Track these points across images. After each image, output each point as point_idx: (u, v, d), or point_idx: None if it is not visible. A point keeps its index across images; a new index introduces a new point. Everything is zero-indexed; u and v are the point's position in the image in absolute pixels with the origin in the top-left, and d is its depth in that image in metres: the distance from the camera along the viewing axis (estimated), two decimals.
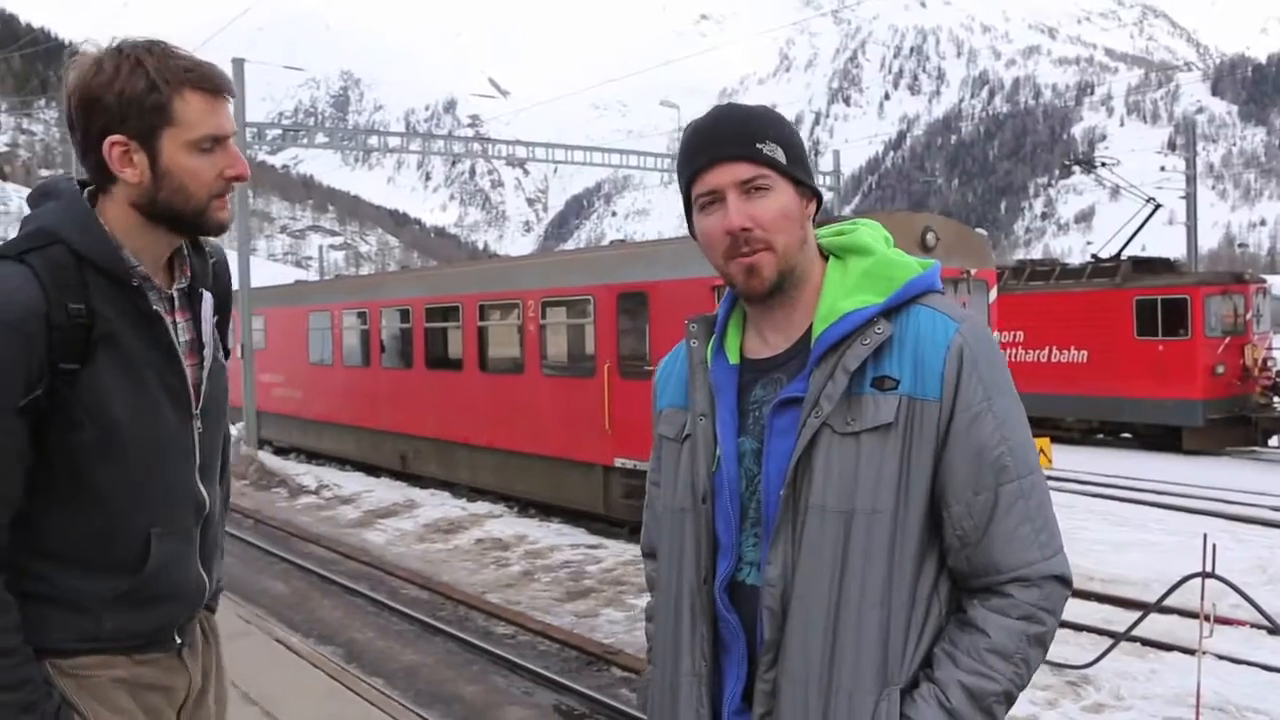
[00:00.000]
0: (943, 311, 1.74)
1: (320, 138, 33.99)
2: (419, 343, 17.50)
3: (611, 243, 16.08)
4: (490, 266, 17.64)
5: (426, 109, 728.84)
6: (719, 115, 1.82)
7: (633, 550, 12.51)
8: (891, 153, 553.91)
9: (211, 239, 2.20)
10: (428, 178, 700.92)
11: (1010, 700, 1.69)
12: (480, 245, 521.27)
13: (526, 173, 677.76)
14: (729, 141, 1.77)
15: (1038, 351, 23.03)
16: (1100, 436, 22.76)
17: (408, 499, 16.41)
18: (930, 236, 11.19)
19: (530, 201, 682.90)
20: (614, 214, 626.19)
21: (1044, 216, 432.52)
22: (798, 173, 1.79)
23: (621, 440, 13.01)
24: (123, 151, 1.92)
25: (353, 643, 9.29)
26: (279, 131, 32.08)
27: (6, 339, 1.83)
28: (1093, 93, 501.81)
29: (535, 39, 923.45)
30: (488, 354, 15.95)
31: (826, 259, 1.86)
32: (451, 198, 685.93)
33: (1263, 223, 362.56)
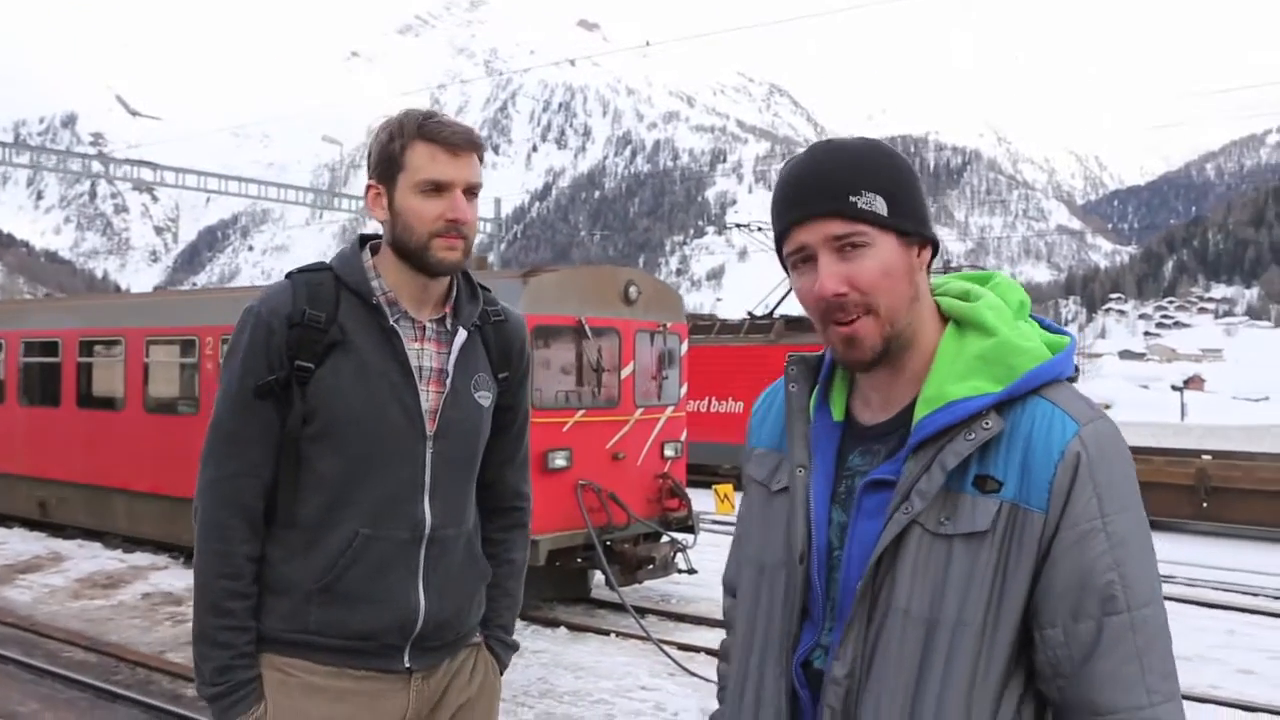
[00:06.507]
0: (1064, 409, 1.51)
1: None
2: (69, 379, 15.95)
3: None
4: (163, 299, 16.42)
5: (41, 121, 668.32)
6: (813, 160, 1.60)
7: None
8: (537, 203, 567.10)
9: (512, 313, 2.56)
10: (40, 197, 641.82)
11: None
12: (100, 274, 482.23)
13: (155, 199, 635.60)
14: (819, 194, 1.56)
15: (699, 402, 24.27)
16: None
17: (51, 551, 14.81)
18: (633, 290, 11.58)
19: (159, 230, 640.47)
20: (251, 249, 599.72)
21: (679, 273, 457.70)
22: (902, 223, 1.57)
23: None
24: (375, 195, 2.32)
25: (15, 716, 8.27)
26: None
27: (255, 326, 2.26)
28: (725, 160, 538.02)
29: (171, 57, 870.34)
30: (154, 393, 14.79)
31: (945, 319, 1.65)
32: (67, 220, 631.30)
33: None
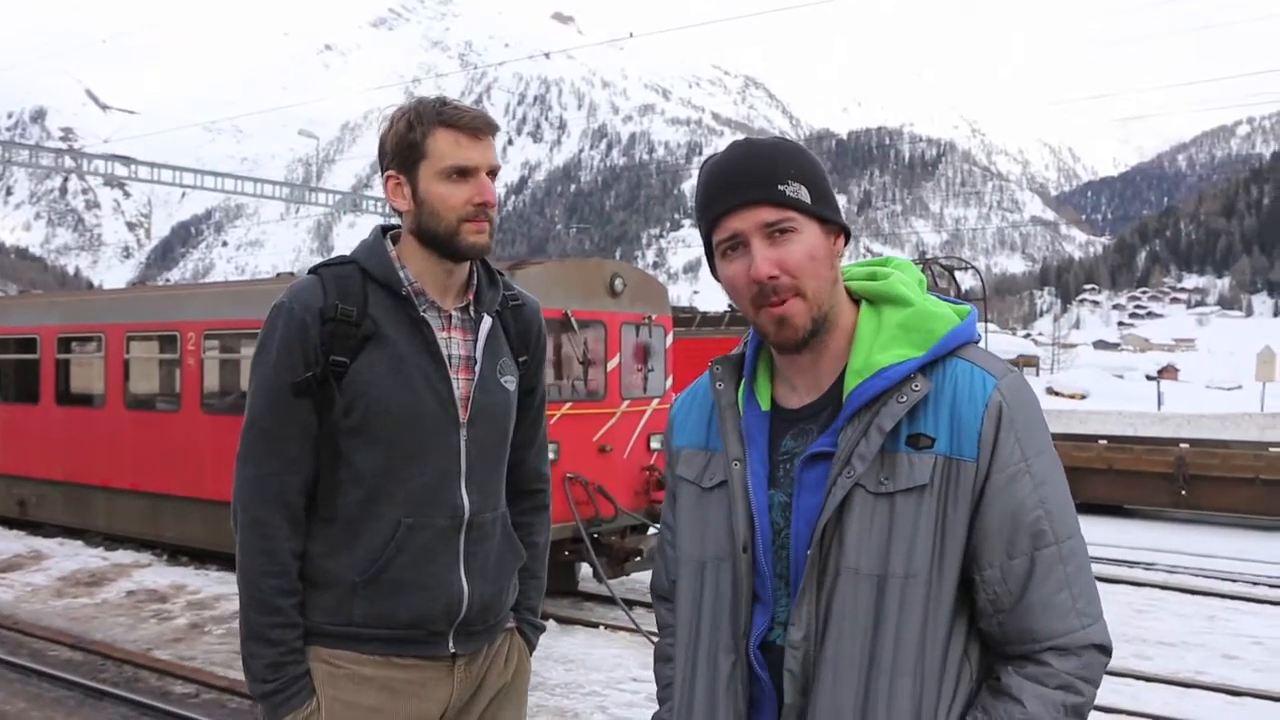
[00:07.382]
0: (981, 366, 1.64)
1: None
2: (49, 376, 15.81)
3: (294, 274, 15.34)
4: (144, 294, 16.29)
5: (10, 116, 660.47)
6: (738, 155, 1.72)
7: None
8: (513, 197, 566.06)
9: (528, 296, 2.56)
10: (9, 193, 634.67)
11: None
12: (71, 270, 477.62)
13: (127, 194, 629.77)
14: (750, 184, 1.66)
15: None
16: None
17: (31, 549, 14.68)
18: (618, 282, 11.57)
19: (131, 226, 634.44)
20: (225, 244, 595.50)
21: (655, 266, 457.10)
22: (824, 211, 1.69)
23: None
24: (395, 184, 2.30)
25: (2, 715, 8.20)
26: None
27: (288, 323, 2.25)
28: (701, 152, 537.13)
29: (142, 52, 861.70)
30: (135, 389, 14.69)
31: (856, 302, 1.76)
32: (38, 217, 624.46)
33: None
